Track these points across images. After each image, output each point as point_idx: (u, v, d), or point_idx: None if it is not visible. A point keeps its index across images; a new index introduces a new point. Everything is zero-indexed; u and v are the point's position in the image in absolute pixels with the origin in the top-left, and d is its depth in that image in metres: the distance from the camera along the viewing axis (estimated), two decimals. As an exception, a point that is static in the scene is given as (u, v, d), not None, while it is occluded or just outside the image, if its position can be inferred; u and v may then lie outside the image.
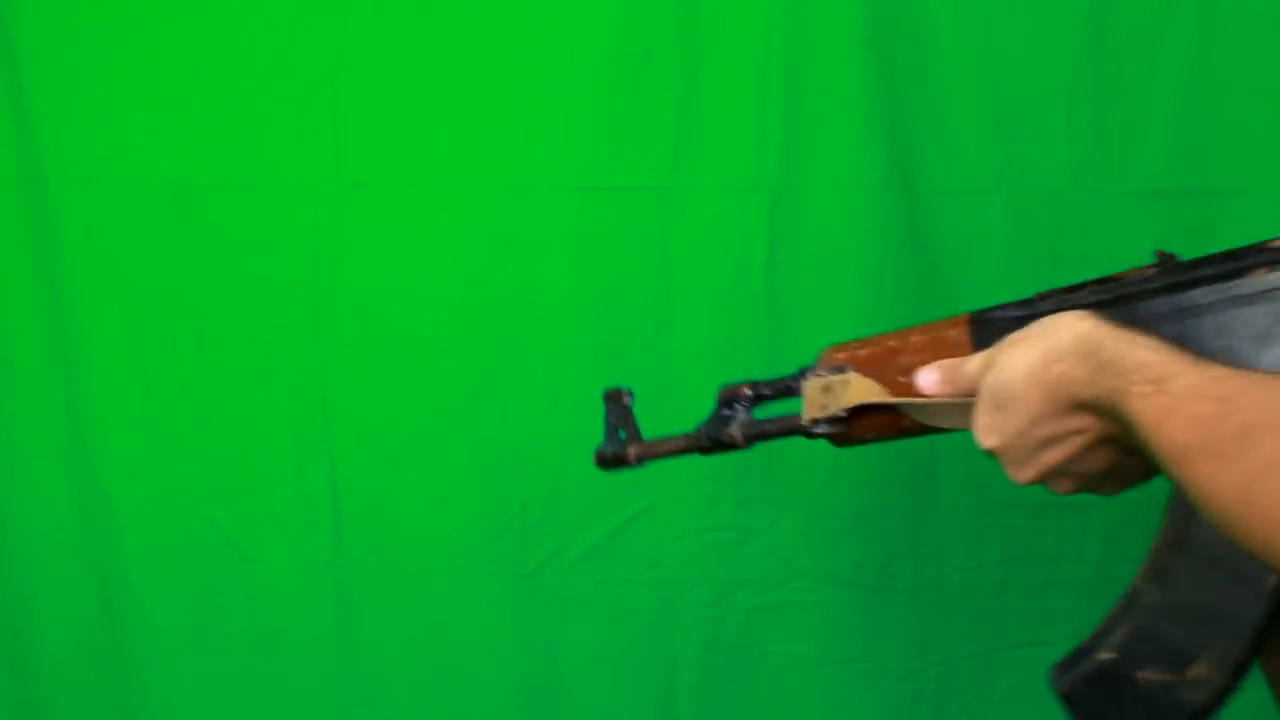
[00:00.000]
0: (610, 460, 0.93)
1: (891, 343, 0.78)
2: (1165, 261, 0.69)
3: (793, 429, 0.83)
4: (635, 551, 1.19)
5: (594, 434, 1.17)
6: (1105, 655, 0.68)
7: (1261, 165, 1.09)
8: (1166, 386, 0.55)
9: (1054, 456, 0.64)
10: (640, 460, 0.93)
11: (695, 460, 1.17)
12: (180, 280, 1.18)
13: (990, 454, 0.66)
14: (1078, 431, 0.62)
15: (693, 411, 1.16)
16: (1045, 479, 0.66)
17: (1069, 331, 0.61)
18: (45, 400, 1.20)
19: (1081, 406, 0.61)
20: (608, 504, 1.19)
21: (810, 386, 0.81)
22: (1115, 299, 0.68)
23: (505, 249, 1.16)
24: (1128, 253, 1.12)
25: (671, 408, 1.17)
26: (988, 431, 0.65)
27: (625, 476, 1.18)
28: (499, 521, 1.20)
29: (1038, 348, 0.62)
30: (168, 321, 1.18)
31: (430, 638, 1.22)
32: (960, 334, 0.75)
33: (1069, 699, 0.68)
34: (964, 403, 0.68)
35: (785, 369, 1.14)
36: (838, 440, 0.82)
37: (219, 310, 1.18)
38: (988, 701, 1.20)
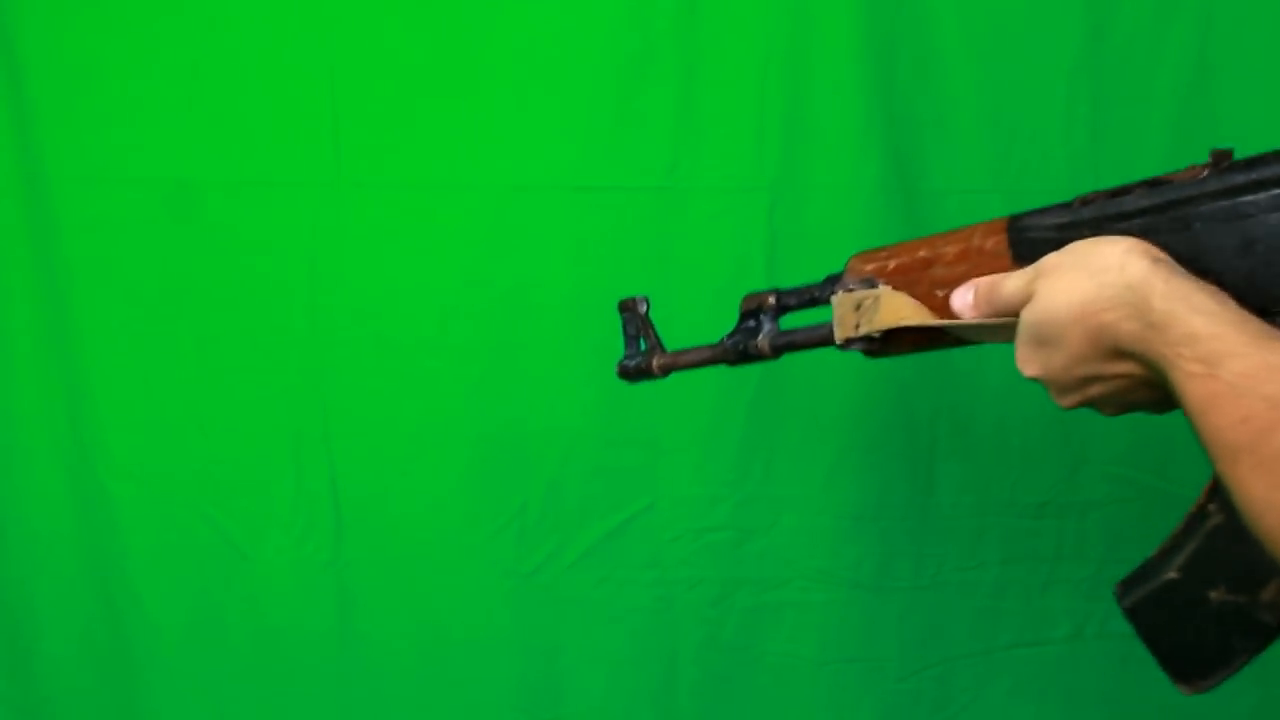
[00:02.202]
0: (633, 372, 0.90)
1: (923, 253, 0.73)
2: (1220, 160, 0.64)
3: (823, 341, 0.78)
4: (635, 551, 1.19)
5: (594, 434, 1.18)
6: (1170, 575, 0.66)
7: (1261, 165, 1.09)
8: (1218, 371, 0.52)
9: (1097, 391, 0.62)
10: (665, 371, 0.89)
11: (695, 460, 1.18)
12: (180, 280, 1.18)
13: (1030, 379, 0.64)
14: (1122, 376, 0.60)
15: (693, 409, 1.17)
16: (1090, 406, 0.64)
17: (1119, 276, 0.57)
18: (45, 400, 1.20)
19: (1128, 355, 0.58)
20: (607, 504, 1.19)
21: (840, 303, 0.76)
22: (1166, 203, 0.63)
23: (504, 249, 1.16)
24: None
25: (670, 407, 1.17)
26: (1028, 362, 0.63)
27: (625, 475, 1.19)
28: (499, 521, 1.20)
29: (1083, 287, 0.59)
30: (168, 321, 1.18)
31: (430, 637, 1.22)
32: (997, 244, 0.70)
33: (1133, 614, 0.68)
34: (1003, 322, 0.65)
35: (785, 370, 1.15)
36: (871, 354, 0.76)
37: (219, 310, 1.18)
38: (988, 701, 1.20)
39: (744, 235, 1.14)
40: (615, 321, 1.16)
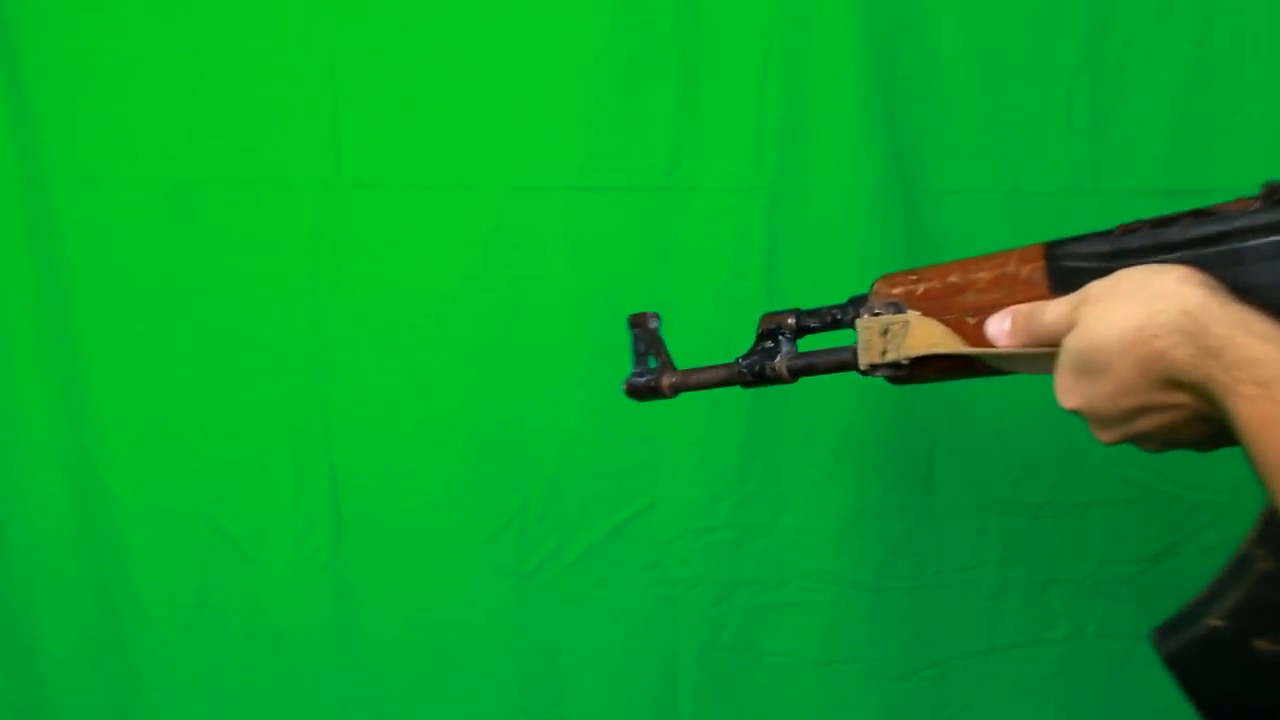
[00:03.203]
0: (642, 390, 0.87)
1: (954, 278, 0.70)
2: (1273, 194, 0.60)
3: (845, 365, 0.76)
4: (635, 551, 1.19)
5: (594, 434, 1.18)
6: (1215, 622, 0.62)
7: (1261, 165, 1.08)
8: (1276, 393, 0.51)
9: (1144, 425, 0.60)
10: (675, 391, 0.87)
11: (695, 460, 1.18)
12: (180, 280, 1.18)
13: (1070, 411, 0.61)
14: (1172, 407, 0.58)
15: (693, 409, 1.17)
16: (1132, 442, 0.62)
17: (1175, 302, 0.55)
18: (45, 400, 1.20)
19: (1179, 385, 0.56)
20: (607, 503, 1.19)
21: (866, 327, 0.73)
22: (1215, 235, 0.60)
23: (505, 249, 1.16)
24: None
25: (670, 407, 1.17)
26: (1069, 393, 0.61)
27: (625, 475, 1.19)
28: (499, 521, 1.20)
29: (1134, 313, 0.56)
30: (168, 321, 1.18)
31: (430, 637, 1.22)
32: (1034, 271, 0.67)
33: (1173, 664, 0.64)
34: (1041, 352, 0.63)
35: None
36: (897, 381, 0.74)
37: (219, 310, 1.18)
38: (988, 701, 1.20)
39: (744, 235, 1.14)
40: (615, 321, 1.15)
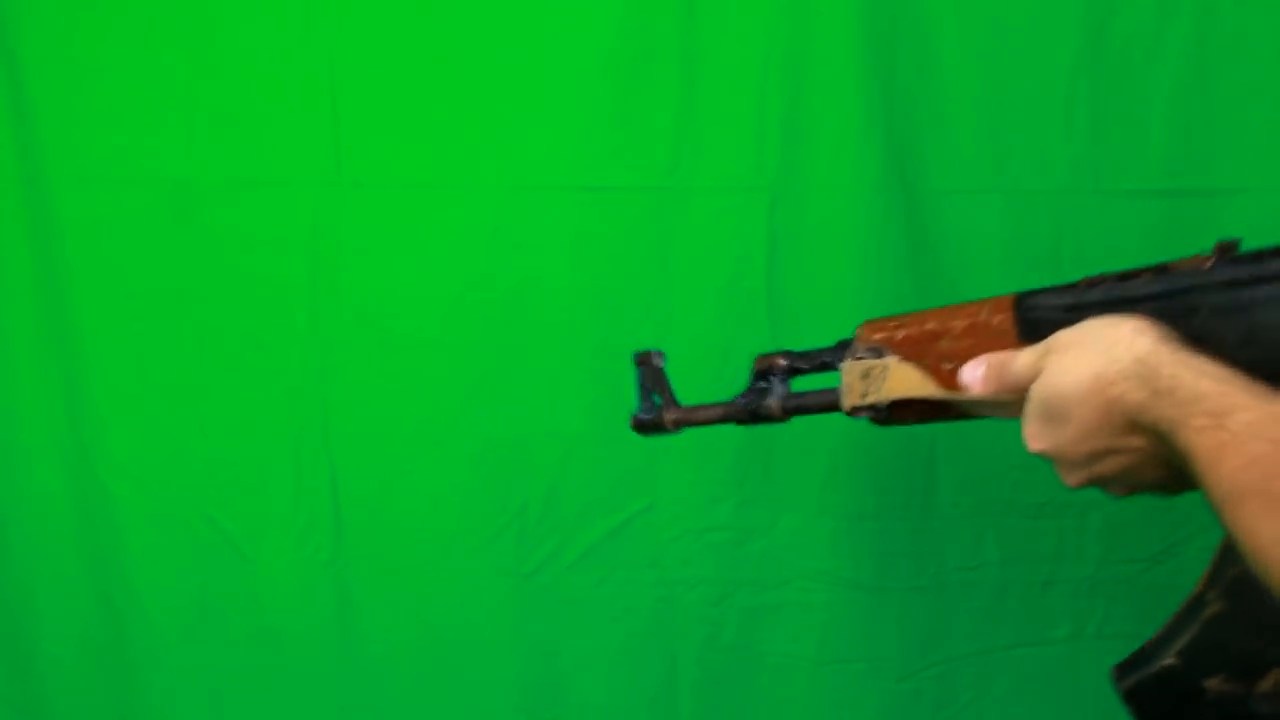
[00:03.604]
0: (648, 426, 0.92)
1: (931, 325, 0.75)
2: (1225, 251, 0.65)
3: (831, 406, 0.81)
4: (635, 551, 1.19)
5: (594, 434, 1.18)
6: (1168, 661, 0.66)
7: (1261, 165, 1.09)
8: (1225, 422, 0.54)
9: (1106, 468, 0.63)
10: (678, 427, 0.92)
11: (695, 460, 1.18)
12: (180, 280, 1.18)
13: (1037, 454, 0.65)
14: (1132, 450, 0.61)
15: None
16: (1097, 485, 0.65)
17: (1128, 351, 0.59)
18: (45, 400, 1.20)
19: (1137, 428, 0.59)
20: (608, 504, 1.19)
21: (848, 371, 0.78)
22: (1172, 291, 0.64)
23: (505, 249, 1.16)
24: (1128, 253, 1.13)
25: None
26: (1035, 438, 0.64)
27: (625, 475, 1.19)
28: (499, 521, 1.20)
29: (1093, 362, 0.60)
30: (168, 321, 1.18)
31: (430, 638, 1.22)
32: (1004, 321, 0.71)
33: (1131, 700, 0.67)
34: (1012, 400, 0.66)
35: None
36: (878, 423, 0.78)
37: (219, 310, 1.18)
38: (988, 701, 1.20)
39: (744, 235, 1.14)
40: (615, 322, 1.16)
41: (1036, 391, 0.63)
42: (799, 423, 1.15)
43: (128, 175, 1.16)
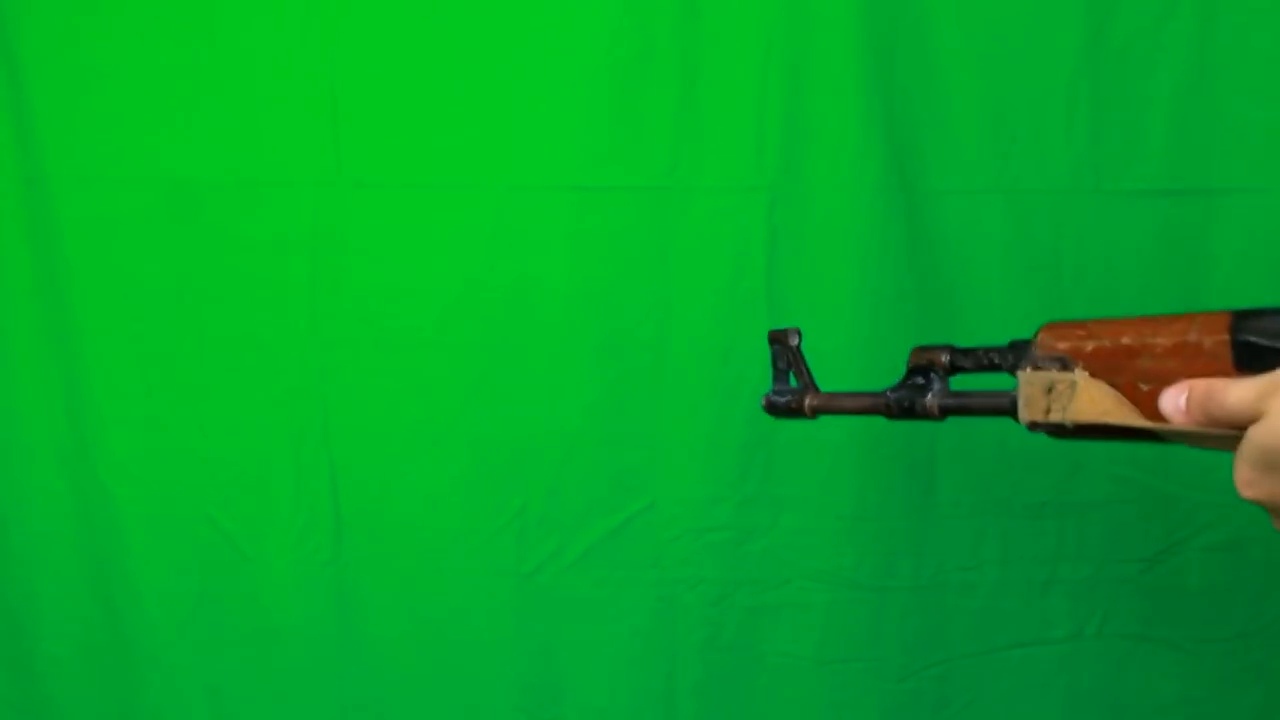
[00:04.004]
0: (782, 409, 0.87)
1: (1127, 339, 0.67)
2: None
3: (1002, 412, 0.73)
4: (635, 551, 1.19)
5: (594, 434, 1.18)
6: None
7: (1261, 165, 1.09)
8: None
9: None
10: (815, 414, 0.86)
11: (695, 460, 1.18)
12: (180, 280, 1.18)
13: (1249, 501, 0.59)
14: None
15: (694, 409, 1.17)
16: None
17: None
18: (45, 400, 1.20)
19: None
20: (608, 504, 1.19)
21: (1030, 382, 0.70)
22: None
23: (505, 249, 1.16)
24: (1128, 253, 1.13)
25: (671, 407, 1.17)
26: (1252, 485, 0.58)
27: (625, 475, 1.19)
28: (499, 521, 1.20)
29: None
30: (168, 321, 1.18)
31: (430, 637, 1.22)
32: (1218, 345, 0.63)
33: (1243, 346, 0.61)
34: (1220, 434, 0.60)
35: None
36: (1058, 437, 0.71)
37: (219, 310, 1.18)
38: (988, 701, 1.20)
39: (744, 235, 1.14)
40: (615, 322, 1.16)
41: (1257, 437, 0.56)
42: (801, 421, 1.16)
43: (128, 175, 1.16)
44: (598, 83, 1.13)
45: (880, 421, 1.15)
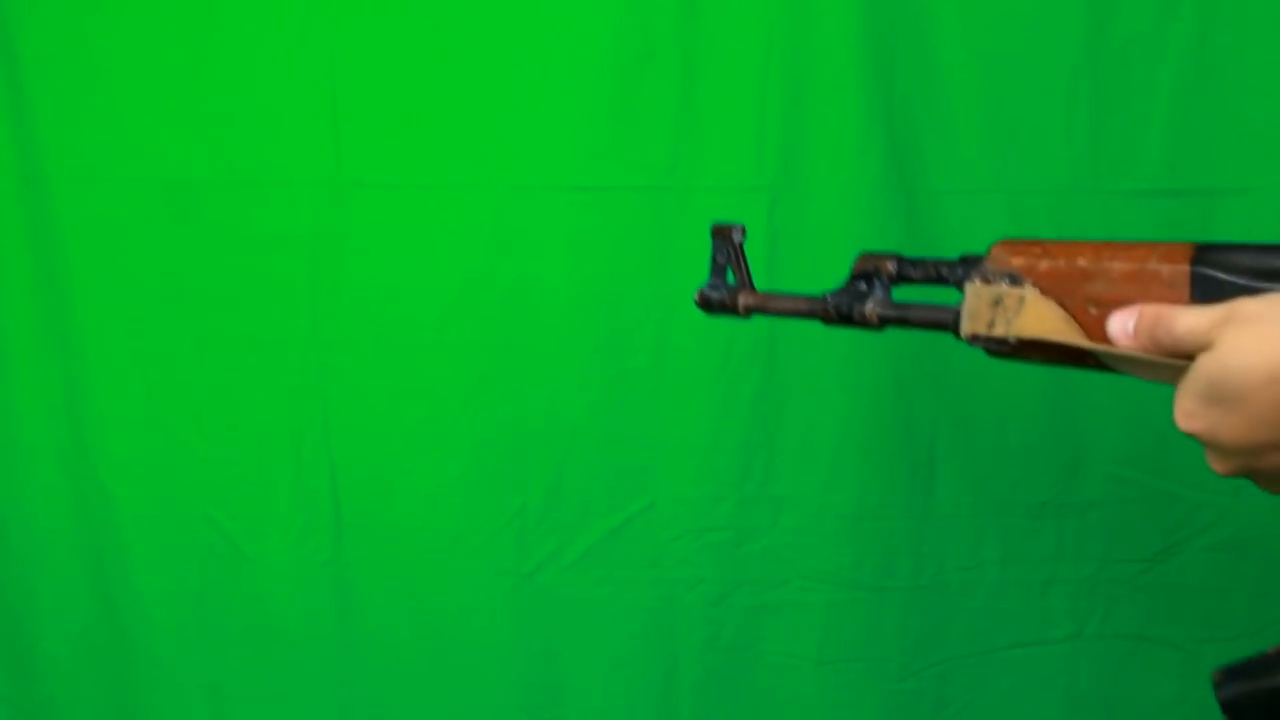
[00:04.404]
0: (715, 304, 0.84)
1: (1083, 261, 0.64)
2: None
3: (942, 326, 0.70)
4: (635, 551, 1.19)
5: (594, 434, 1.18)
6: None
7: (1261, 165, 1.09)
8: None
9: (1268, 463, 0.55)
10: (749, 312, 0.82)
11: (695, 459, 1.18)
12: (180, 280, 1.18)
13: (1186, 433, 0.57)
14: None
15: (694, 409, 1.17)
16: (1248, 477, 0.57)
17: None
18: (45, 400, 1.20)
19: None
20: (607, 503, 1.19)
21: (977, 293, 0.67)
22: None
23: (505, 249, 1.16)
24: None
25: (671, 407, 1.18)
26: (1191, 417, 0.56)
27: (625, 475, 1.19)
28: (498, 521, 1.20)
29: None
30: (168, 321, 1.18)
31: (430, 637, 1.22)
32: (1177, 275, 0.60)
33: (1230, 709, 0.60)
34: (1166, 362, 0.58)
35: (784, 369, 1.15)
36: (997, 356, 0.68)
37: (219, 310, 1.18)
38: (988, 701, 1.20)
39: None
40: (615, 322, 1.16)
41: (1205, 367, 0.54)
42: (800, 422, 1.17)
43: (128, 175, 1.16)
44: (598, 83, 1.13)
45: (880, 422, 1.16)
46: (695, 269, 1.15)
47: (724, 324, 1.15)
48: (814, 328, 1.14)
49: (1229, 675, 0.60)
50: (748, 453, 1.17)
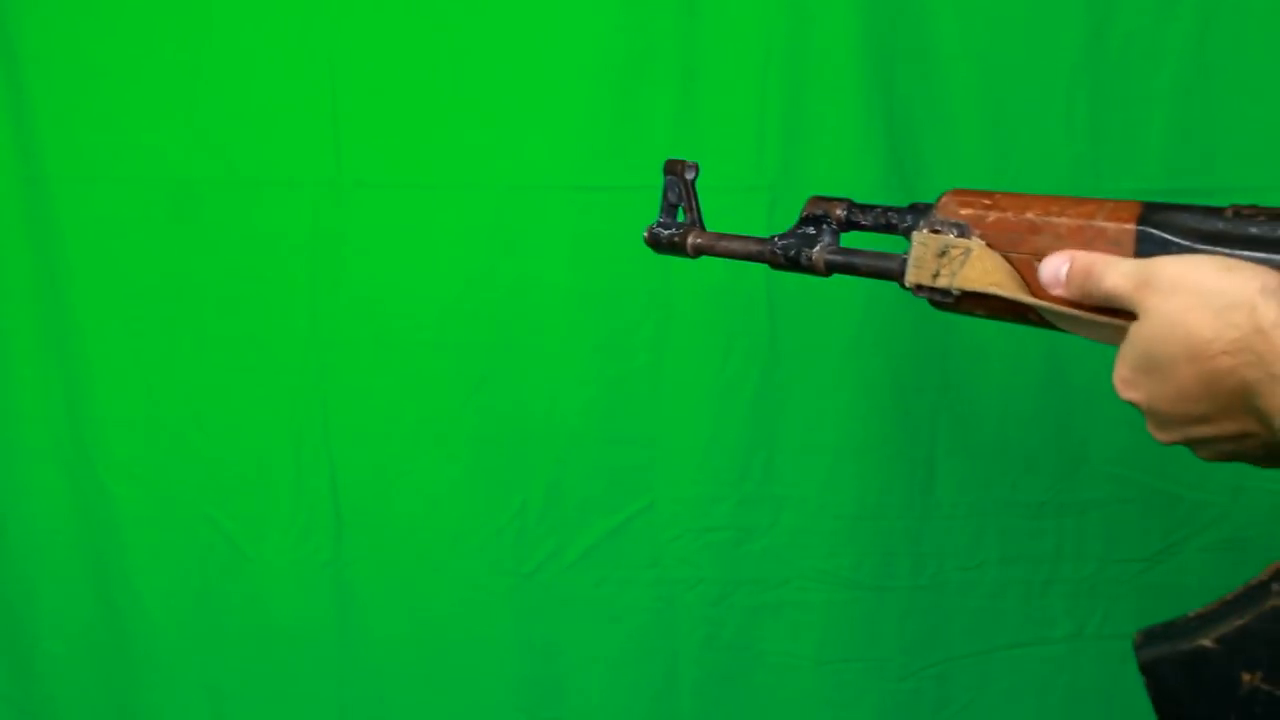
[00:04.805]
0: (664, 243, 0.82)
1: (1031, 214, 0.63)
2: None
3: (888, 275, 0.69)
4: (635, 551, 1.19)
5: (594, 433, 1.18)
6: (1205, 643, 0.59)
7: (1261, 165, 1.09)
8: None
9: (1204, 433, 0.54)
10: (698, 253, 0.81)
11: (695, 459, 1.18)
12: (180, 280, 1.18)
13: (1124, 401, 0.57)
14: (1236, 427, 0.53)
15: (694, 409, 1.17)
16: (1189, 447, 0.57)
17: (1248, 317, 0.49)
18: (45, 400, 1.20)
19: (1246, 408, 0.51)
20: (607, 503, 1.19)
21: (923, 242, 0.66)
22: None
23: (505, 249, 1.16)
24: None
25: (671, 407, 1.18)
26: (1128, 385, 0.55)
27: (625, 475, 1.19)
28: (498, 521, 1.20)
29: (1201, 321, 0.51)
30: (168, 321, 1.19)
31: (430, 637, 1.22)
32: (1122, 234, 0.59)
33: (1149, 671, 0.61)
34: (1102, 321, 0.58)
35: (784, 369, 1.15)
36: (940, 308, 0.68)
37: (219, 310, 1.18)
38: (988, 701, 1.20)
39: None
40: (615, 322, 1.16)
41: (1134, 336, 0.54)
42: (800, 422, 1.16)
43: (128, 175, 1.16)
44: (598, 83, 1.13)
45: (880, 422, 1.16)
46: (696, 269, 1.15)
47: (724, 324, 1.16)
48: (818, 329, 1.15)
49: (1149, 637, 0.61)
50: (748, 453, 1.17)
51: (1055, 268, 0.59)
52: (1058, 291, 0.59)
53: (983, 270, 0.64)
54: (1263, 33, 1.07)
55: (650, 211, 1.14)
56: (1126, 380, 0.56)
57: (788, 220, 1.13)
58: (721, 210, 1.13)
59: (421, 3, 1.13)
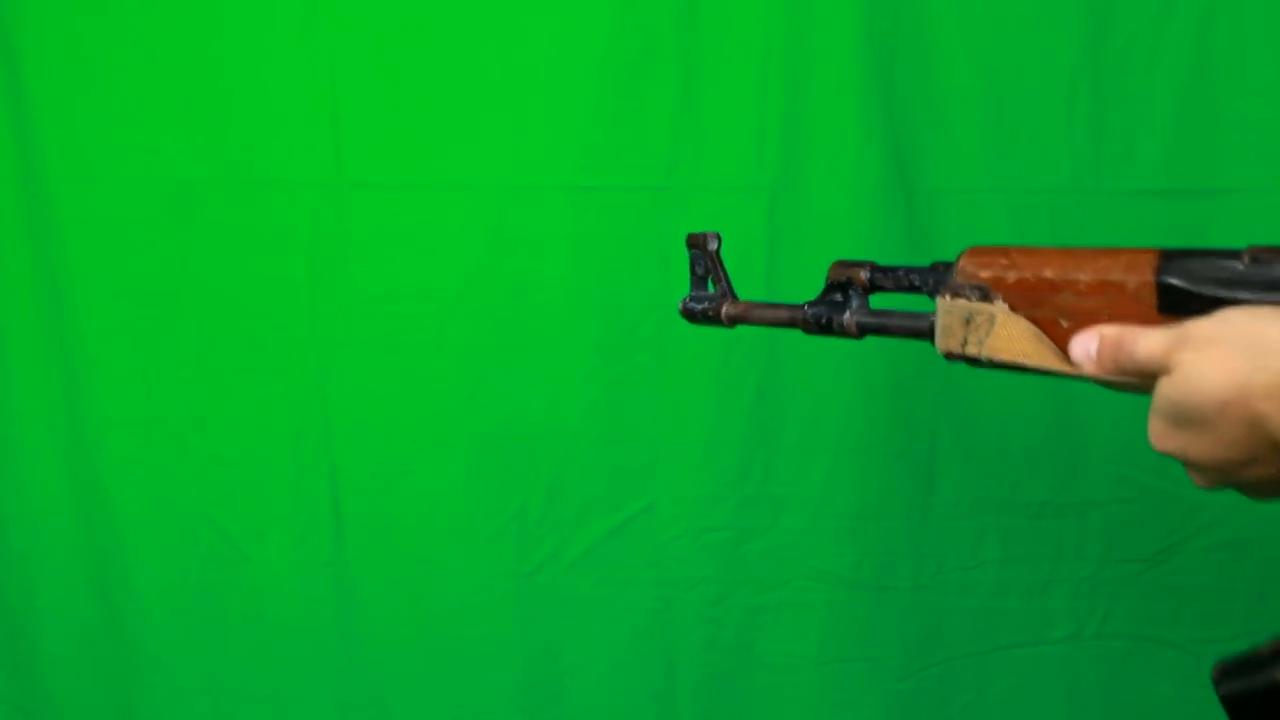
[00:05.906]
0: (699, 316, 0.84)
1: (1049, 273, 0.63)
2: None
3: (919, 335, 0.70)
4: (635, 551, 1.19)
5: (594, 434, 1.18)
6: None
7: (1261, 165, 1.09)
8: None
9: (1247, 476, 0.55)
10: (733, 322, 0.82)
11: (695, 460, 1.18)
12: (180, 280, 1.18)
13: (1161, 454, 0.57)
14: (1278, 468, 0.53)
15: (694, 409, 1.17)
16: (1231, 488, 0.57)
17: None
18: (45, 400, 1.20)
19: None
20: (607, 503, 1.19)
21: (948, 310, 0.66)
22: None
23: (505, 248, 1.16)
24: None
25: (671, 407, 1.18)
26: (1163, 439, 0.56)
27: (625, 475, 1.19)
28: (498, 521, 1.20)
29: (1236, 368, 0.52)
30: (168, 321, 1.19)
31: (430, 637, 1.22)
32: (1142, 287, 0.59)
33: (1230, 705, 0.60)
34: (1131, 382, 0.58)
35: (784, 369, 1.15)
36: (975, 366, 0.68)
37: (219, 310, 1.18)
38: (988, 701, 1.20)
39: (744, 235, 1.14)
40: (615, 321, 1.16)
41: (1166, 392, 0.55)
42: (800, 422, 1.17)
43: (128, 175, 1.16)
44: (598, 83, 1.13)
45: (880, 422, 1.16)
46: (695, 269, 1.16)
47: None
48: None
49: (1226, 672, 0.60)
50: (748, 453, 1.17)
51: (1085, 346, 0.60)
52: (1090, 369, 0.60)
53: (1008, 338, 0.63)
54: (1263, 33, 1.07)
55: (651, 211, 1.15)
56: (1161, 435, 0.56)
57: (788, 219, 1.14)
58: (722, 210, 1.14)
59: (421, 3, 1.13)
